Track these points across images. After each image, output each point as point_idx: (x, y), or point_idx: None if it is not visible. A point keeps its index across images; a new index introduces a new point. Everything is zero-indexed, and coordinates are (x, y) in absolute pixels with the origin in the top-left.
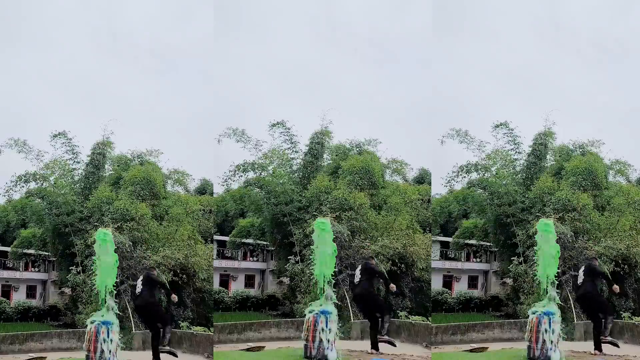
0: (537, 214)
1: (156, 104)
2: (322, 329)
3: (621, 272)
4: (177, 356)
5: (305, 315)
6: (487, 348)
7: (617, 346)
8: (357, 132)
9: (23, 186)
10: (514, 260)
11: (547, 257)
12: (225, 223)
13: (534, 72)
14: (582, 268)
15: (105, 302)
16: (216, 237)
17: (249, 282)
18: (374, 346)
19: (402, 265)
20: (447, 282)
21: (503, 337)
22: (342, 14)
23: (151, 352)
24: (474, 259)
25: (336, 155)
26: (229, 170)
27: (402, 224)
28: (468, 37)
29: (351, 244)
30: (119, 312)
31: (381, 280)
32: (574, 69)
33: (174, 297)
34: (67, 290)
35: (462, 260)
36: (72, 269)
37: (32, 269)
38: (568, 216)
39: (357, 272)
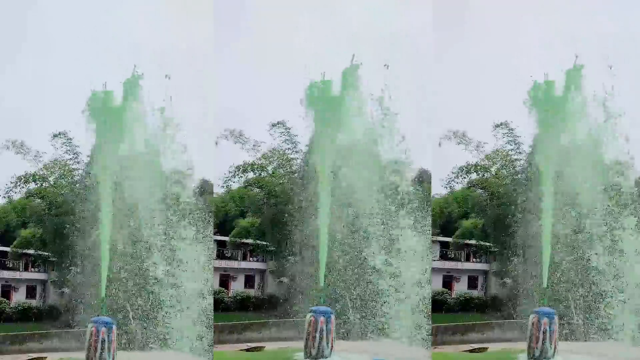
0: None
1: (156, 104)
2: (322, 329)
3: None
4: None
5: (305, 315)
6: (487, 348)
7: None
8: (357, 132)
9: (23, 187)
10: (513, 260)
11: None
12: (225, 223)
13: (535, 72)
14: None
15: (105, 301)
16: (216, 237)
17: (249, 282)
18: None
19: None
20: (447, 282)
21: (503, 337)
22: (342, 13)
23: (151, 352)
24: (474, 259)
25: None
26: (229, 171)
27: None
28: (468, 37)
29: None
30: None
31: None
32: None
33: None
34: (67, 291)
35: (462, 260)
36: (72, 269)
37: (32, 269)
38: (568, 216)
39: None
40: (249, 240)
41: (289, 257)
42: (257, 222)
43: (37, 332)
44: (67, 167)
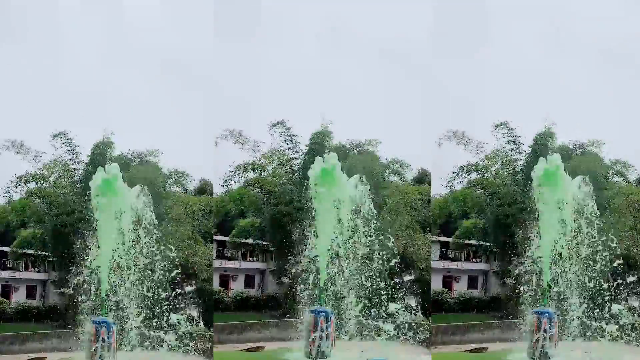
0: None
1: (156, 104)
2: (322, 329)
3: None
4: None
5: (305, 315)
6: (487, 348)
7: None
8: (358, 132)
9: (23, 187)
10: (514, 260)
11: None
12: (225, 223)
13: (536, 73)
14: None
15: (106, 302)
16: (216, 237)
17: (249, 282)
18: None
19: (403, 266)
20: (447, 282)
21: (503, 337)
22: (343, 15)
23: (151, 352)
24: (474, 259)
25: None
26: (229, 170)
27: (402, 224)
28: (469, 39)
29: None
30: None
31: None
32: (575, 70)
33: None
34: (67, 291)
35: (462, 260)
36: (72, 269)
37: (32, 269)
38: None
39: None
40: (249, 240)
41: (289, 257)
42: (257, 222)
43: (37, 332)
44: (67, 167)
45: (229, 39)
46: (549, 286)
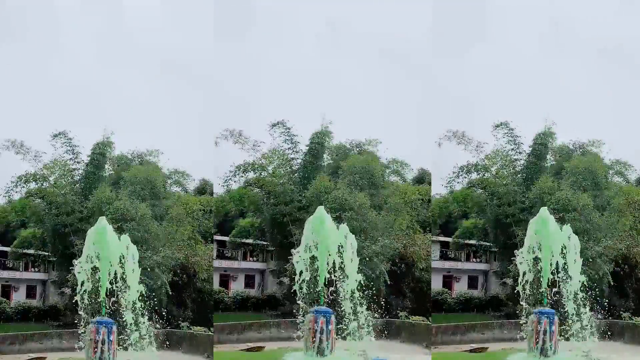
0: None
1: (156, 104)
2: (322, 329)
3: (621, 272)
4: None
5: (305, 315)
6: (487, 348)
7: None
8: (358, 132)
9: (23, 186)
10: (514, 260)
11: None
12: (225, 223)
13: (535, 73)
14: None
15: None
16: (216, 237)
17: (249, 282)
18: None
19: (403, 266)
20: (447, 282)
21: (503, 337)
22: (342, 15)
23: (151, 352)
24: (474, 259)
25: (336, 155)
26: (229, 170)
27: (402, 224)
28: (468, 39)
29: None
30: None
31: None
32: (575, 70)
33: None
34: (67, 290)
35: (462, 260)
36: (72, 269)
37: (32, 269)
38: (568, 216)
39: None
40: (249, 240)
41: (289, 257)
42: (257, 222)
43: (37, 332)
44: (67, 167)
45: (229, 39)
46: (548, 286)
